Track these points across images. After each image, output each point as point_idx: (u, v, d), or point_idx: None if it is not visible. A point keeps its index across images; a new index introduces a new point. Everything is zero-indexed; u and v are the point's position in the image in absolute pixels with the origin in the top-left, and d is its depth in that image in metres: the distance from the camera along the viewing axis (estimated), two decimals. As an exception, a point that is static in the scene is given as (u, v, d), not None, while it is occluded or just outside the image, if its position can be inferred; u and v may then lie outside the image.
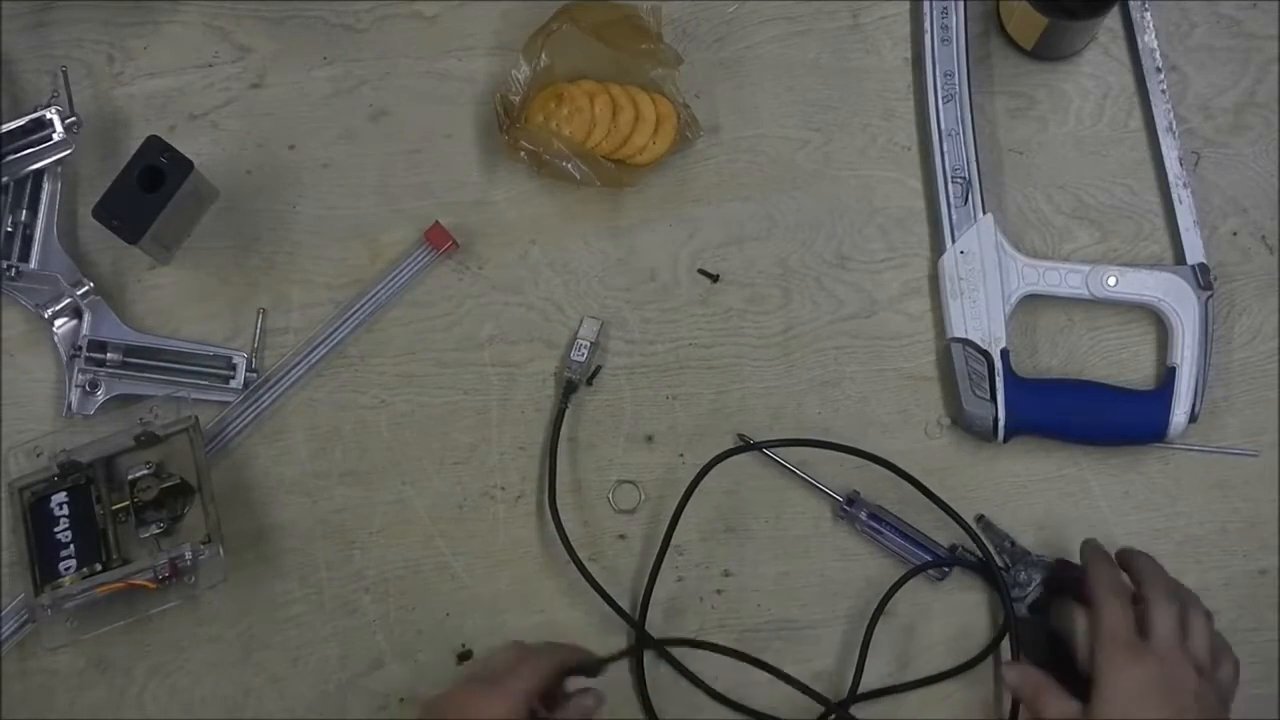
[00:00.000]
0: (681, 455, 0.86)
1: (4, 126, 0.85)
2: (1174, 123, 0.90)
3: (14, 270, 0.85)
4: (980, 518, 0.85)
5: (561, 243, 0.89)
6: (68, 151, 0.86)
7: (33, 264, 0.85)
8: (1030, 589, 0.81)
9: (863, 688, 0.82)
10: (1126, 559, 0.78)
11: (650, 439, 0.86)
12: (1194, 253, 0.88)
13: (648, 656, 0.83)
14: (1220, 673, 0.73)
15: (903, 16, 0.92)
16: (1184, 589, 0.76)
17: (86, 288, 0.85)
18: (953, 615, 0.84)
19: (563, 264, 0.89)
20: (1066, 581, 0.81)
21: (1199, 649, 0.72)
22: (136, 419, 0.83)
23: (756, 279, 0.89)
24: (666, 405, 0.87)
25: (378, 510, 0.85)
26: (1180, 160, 0.89)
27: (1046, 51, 0.91)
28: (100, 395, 0.84)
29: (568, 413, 0.85)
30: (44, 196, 0.87)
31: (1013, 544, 0.84)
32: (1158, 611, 0.73)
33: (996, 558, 0.83)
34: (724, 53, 0.92)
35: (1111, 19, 0.91)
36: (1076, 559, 0.82)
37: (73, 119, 0.86)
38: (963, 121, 0.88)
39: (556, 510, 0.83)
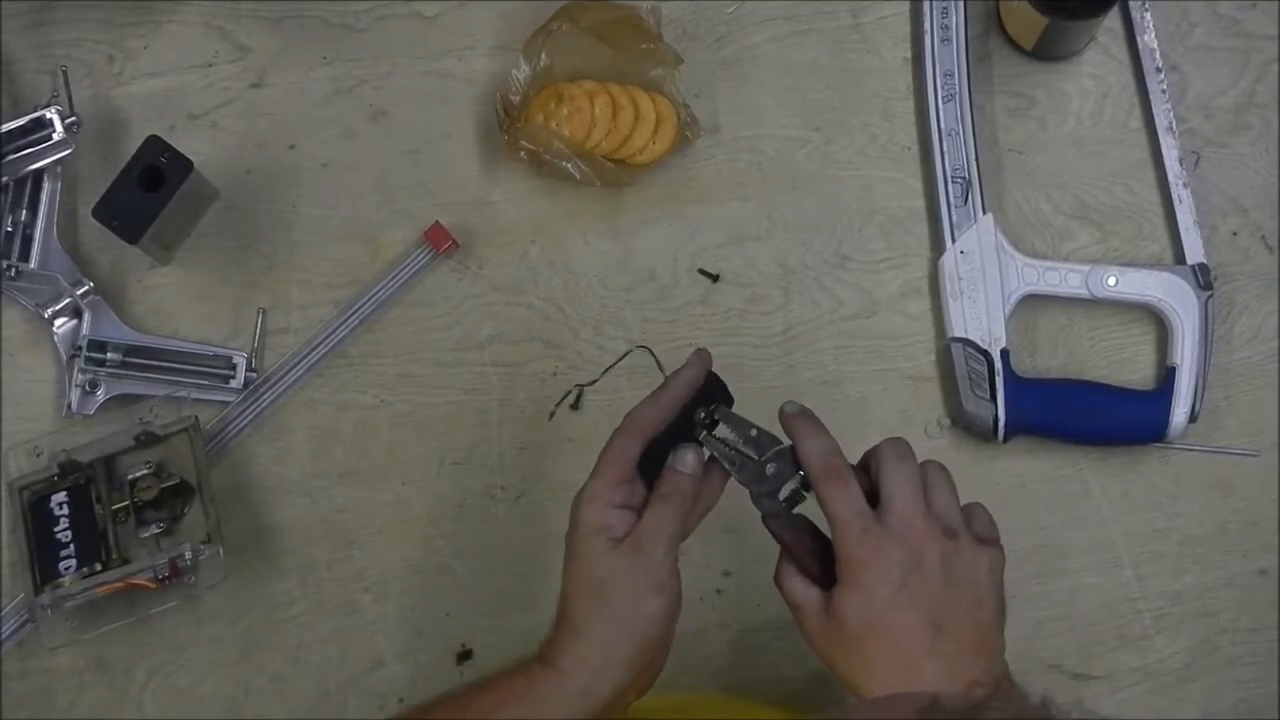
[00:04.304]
0: (681, 455, 0.86)
1: (4, 126, 0.85)
2: (1174, 123, 0.90)
3: (14, 270, 0.85)
4: (711, 411, 0.69)
5: (561, 243, 0.89)
6: (68, 151, 0.86)
7: (33, 264, 0.85)
8: (786, 481, 0.66)
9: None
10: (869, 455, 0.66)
11: (650, 439, 0.86)
12: (1194, 253, 0.88)
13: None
14: (976, 524, 0.64)
15: (903, 16, 0.92)
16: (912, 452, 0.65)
17: (86, 288, 0.85)
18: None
19: (563, 264, 0.89)
20: None
21: (943, 507, 0.63)
22: (136, 419, 0.83)
23: (756, 279, 0.89)
24: (666, 405, 0.87)
25: (378, 510, 0.85)
26: (1180, 160, 0.89)
27: (1046, 51, 0.91)
28: (100, 395, 0.84)
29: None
30: (44, 196, 0.86)
31: (758, 432, 0.67)
32: (890, 477, 0.62)
33: (746, 450, 0.68)
34: (724, 53, 0.92)
35: (1111, 19, 0.91)
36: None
37: (73, 119, 0.86)
38: (963, 121, 0.88)
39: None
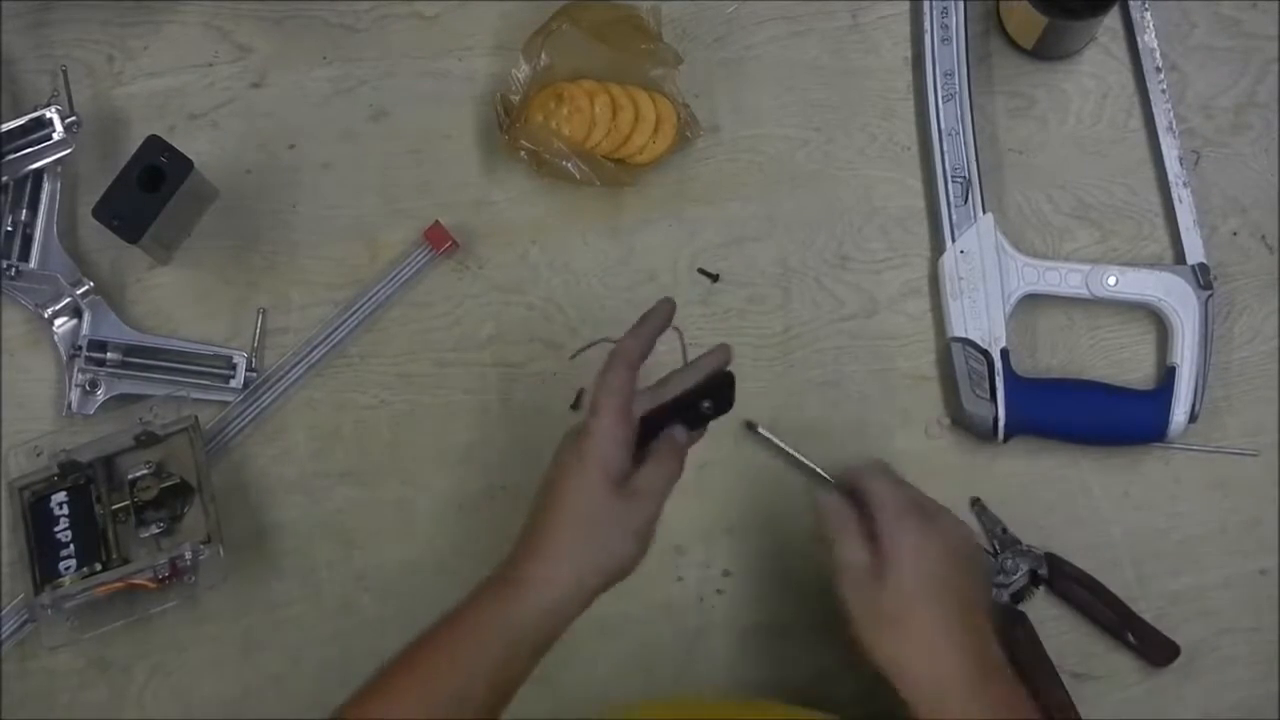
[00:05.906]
0: (681, 455, 0.86)
1: (4, 126, 0.85)
2: (1174, 122, 0.90)
3: (14, 270, 0.85)
4: (975, 501, 0.85)
5: (561, 243, 0.89)
6: (68, 151, 0.86)
7: (33, 264, 0.85)
8: (1015, 577, 0.82)
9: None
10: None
11: (650, 439, 0.86)
12: (1194, 252, 0.88)
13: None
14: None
15: (903, 16, 0.92)
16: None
17: (86, 287, 0.85)
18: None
19: (563, 264, 0.89)
20: (1055, 575, 0.82)
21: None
22: (136, 419, 0.83)
23: (756, 279, 0.89)
24: (666, 405, 0.87)
25: (378, 510, 0.85)
26: (1180, 160, 0.89)
27: (1046, 51, 0.91)
28: (100, 395, 0.84)
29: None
30: (44, 196, 0.87)
31: (1004, 531, 0.84)
32: (885, 526, 0.71)
33: (987, 543, 0.84)
34: (724, 53, 0.92)
35: (1111, 19, 0.91)
36: (1071, 556, 0.82)
37: (73, 119, 0.86)
38: (963, 121, 0.88)
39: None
